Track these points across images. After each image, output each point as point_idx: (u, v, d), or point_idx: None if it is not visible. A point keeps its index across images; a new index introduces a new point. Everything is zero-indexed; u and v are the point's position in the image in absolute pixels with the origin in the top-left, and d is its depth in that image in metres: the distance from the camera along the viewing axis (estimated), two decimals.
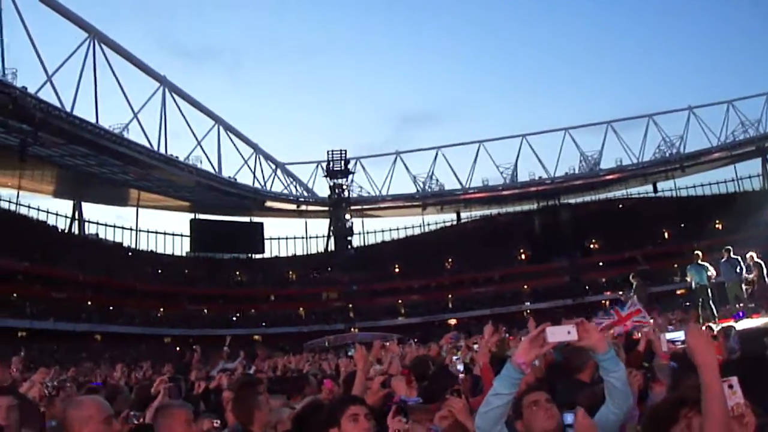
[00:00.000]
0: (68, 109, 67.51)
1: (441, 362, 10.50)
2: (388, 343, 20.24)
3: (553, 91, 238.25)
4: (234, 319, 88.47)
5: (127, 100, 77.76)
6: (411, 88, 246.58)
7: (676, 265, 70.84)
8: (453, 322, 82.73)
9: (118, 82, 76.51)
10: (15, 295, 69.35)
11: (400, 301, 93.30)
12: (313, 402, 6.15)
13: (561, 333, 3.69)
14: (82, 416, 4.19)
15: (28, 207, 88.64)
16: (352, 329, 79.71)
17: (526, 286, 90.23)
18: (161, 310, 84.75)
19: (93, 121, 70.57)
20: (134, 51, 79.91)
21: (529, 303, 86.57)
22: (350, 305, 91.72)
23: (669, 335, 9.12)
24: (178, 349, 68.82)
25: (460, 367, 10.15)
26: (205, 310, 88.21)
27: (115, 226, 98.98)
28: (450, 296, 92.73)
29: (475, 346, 12.43)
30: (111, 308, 78.70)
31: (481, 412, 3.82)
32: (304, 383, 8.06)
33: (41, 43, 67.00)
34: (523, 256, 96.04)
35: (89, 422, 4.16)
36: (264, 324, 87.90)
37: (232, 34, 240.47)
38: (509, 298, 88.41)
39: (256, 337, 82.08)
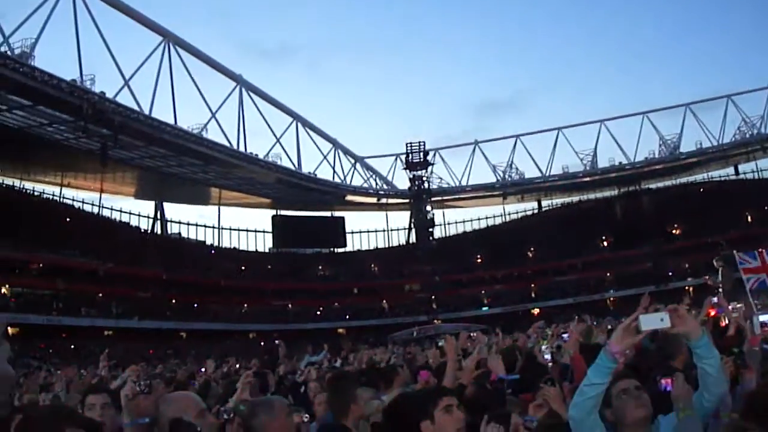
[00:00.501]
0: (146, 112, 68.91)
1: (529, 352, 10.44)
2: (474, 334, 20.21)
3: (629, 76, 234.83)
4: (318, 313, 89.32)
5: (205, 101, 79.14)
6: (488, 77, 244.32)
7: (761, 249, 69.15)
8: (536, 311, 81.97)
9: (195, 84, 77.83)
10: (101, 295, 71.11)
11: (482, 292, 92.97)
12: (404, 394, 6.18)
13: (654, 320, 3.68)
14: (177, 411, 4.26)
15: (111, 209, 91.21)
16: (435, 320, 79.64)
17: (609, 274, 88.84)
18: (245, 306, 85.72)
19: (171, 122, 71.89)
20: (209, 52, 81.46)
21: (612, 291, 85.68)
22: (433, 296, 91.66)
23: (762, 317, 8.93)
24: (262, 344, 69.62)
25: (548, 356, 10.09)
26: (289, 305, 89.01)
27: (197, 225, 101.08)
28: (533, 285, 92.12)
29: (565, 335, 12.30)
30: (195, 305, 79.99)
31: (576, 402, 3.82)
32: (393, 375, 8.05)
33: (117, 48, 68.62)
34: (605, 243, 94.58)
35: (183, 417, 4.22)
36: (347, 317, 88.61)
37: (307, 31, 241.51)
38: (592, 286, 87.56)
39: (340, 330, 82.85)
